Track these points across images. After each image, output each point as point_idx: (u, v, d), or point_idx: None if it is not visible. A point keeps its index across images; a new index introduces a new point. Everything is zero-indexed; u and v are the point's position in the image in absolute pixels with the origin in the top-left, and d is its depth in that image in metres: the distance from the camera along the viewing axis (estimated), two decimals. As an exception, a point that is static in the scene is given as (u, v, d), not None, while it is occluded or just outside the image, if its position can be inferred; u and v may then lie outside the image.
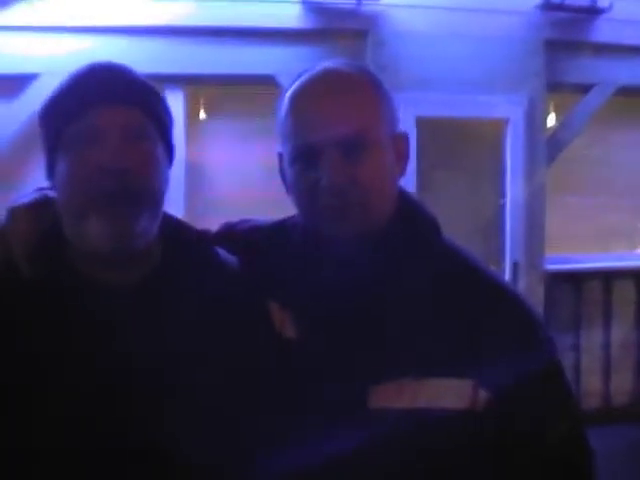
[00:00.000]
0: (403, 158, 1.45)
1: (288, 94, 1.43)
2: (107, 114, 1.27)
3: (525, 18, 5.10)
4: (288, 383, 1.37)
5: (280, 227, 1.60)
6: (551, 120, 5.43)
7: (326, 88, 1.39)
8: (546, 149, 5.20)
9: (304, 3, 4.82)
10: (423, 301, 1.37)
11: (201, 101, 4.92)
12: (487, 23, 5.00)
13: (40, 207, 1.38)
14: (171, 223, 1.43)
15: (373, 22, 4.92)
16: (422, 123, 4.64)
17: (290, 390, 1.37)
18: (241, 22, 4.77)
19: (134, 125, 1.28)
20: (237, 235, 1.62)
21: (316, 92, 1.39)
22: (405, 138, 1.46)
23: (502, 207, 5.12)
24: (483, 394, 1.32)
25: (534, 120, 5.11)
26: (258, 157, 4.93)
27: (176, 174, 4.72)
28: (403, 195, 1.48)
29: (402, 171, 1.46)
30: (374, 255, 1.40)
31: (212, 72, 4.77)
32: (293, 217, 1.57)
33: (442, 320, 1.36)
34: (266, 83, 4.79)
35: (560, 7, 5.09)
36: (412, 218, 1.46)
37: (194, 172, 4.79)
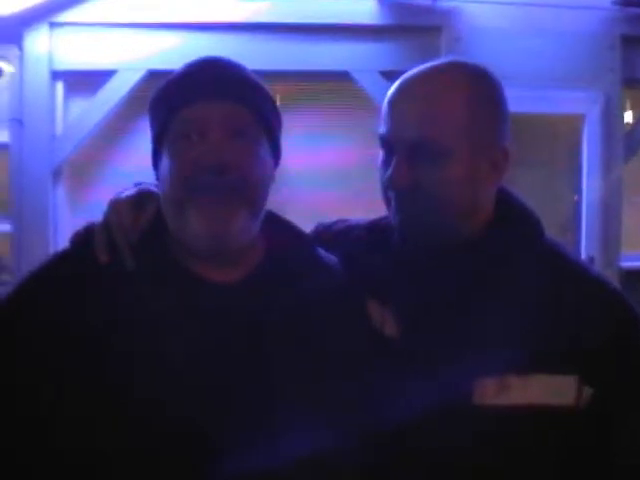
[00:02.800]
0: (498, 171, 1.42)
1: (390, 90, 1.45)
2: (211, 109, 1.27)
3: (601, 13, 5.03)
4: (390, 381, 1.35)
5: (377, 226, 1.60)
6: (628, 116, 5.35)
7: (414, 88, 1.39)
8: (623, 146, 5.12)
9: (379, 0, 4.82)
10: (525, 299, 1.35)
11: (276, 97, 4.93)
12: (562, 18, 4.95)
13: (143, 200, 1.39)
14: (274, 221, 1.43)
15: (448, 18, 4.90)
16: None
17: (392, 387, 1.35)
18: (316, 18, 4.78)
19: (238, 122, 1.28)
20: (333, 235, 1.62)
21: (404, 89, 1.40)
22: (505, 152, 1.42)
23: (578, 203, 5.05)
24: (587, 391, 1.30)
25: (611, 116, 5.03)
26: (332, 152, 4.94)
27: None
28: (506, 198, 1.47)
29: (496, 181, 1.44)
30: (475, 256, 1.39)
31: (287, 68, 4.80)
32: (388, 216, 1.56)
33: (545, 317, 1.34)
34: (341, 79, 4.80)
35: (636, 3, 5.02)
36: (513, 221, 1.44)
37: None
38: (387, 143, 1.39)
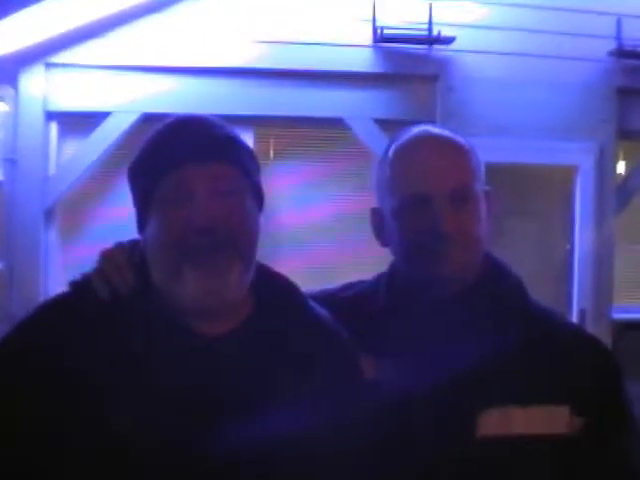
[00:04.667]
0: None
1: (393, 151, 1.56)
2: (195, 172, 1.27)
3: (597, 65, 5.07)
4: (389, 425, 1.40)
5: (373, 283, 1.68)
6: (621, 167, 5.37)
7: (433, 144, 1.54)
8: (616, 197, 5.13)
9: (375, 47, 4.84)
10: (517, 340, 1.47)
11: (271, 142, 4.95)
12: (558, 70, 4.98)
13: (131, 247, 1.40)
14: (264, 273, 1.42)
15: (444, 67, 4.93)
16: (492, 169, 4.49)
17: (395, 430, 1.41)
18: (312, 65, 4.82)
19: (223, 180, 1.28)
20: (334, 298, 1.65)
21: (424, 148, 1.54)
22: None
23: (570, 253, 5.05)
24: (578, 420, 1.45)
25: (604, 167, 5.06)
26: (326, 199, 4.95)
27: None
28: (488, 253, 1.59)
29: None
30: (467, 302, 1.51)
31: (282, 114, 4.83)
32: (383, 273, 1.68)
33: (537, 358, 1.48)
34: (336, 126, 4.82)
35: (633, 54, 5.05)
36: (498, 273, 1.59)
37: (264, 213, 4.74)
38: (420, 198, 1.48)
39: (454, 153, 1.53)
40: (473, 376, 1.43)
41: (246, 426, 1.24)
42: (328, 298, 1.63)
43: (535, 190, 5.00)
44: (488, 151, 4.68)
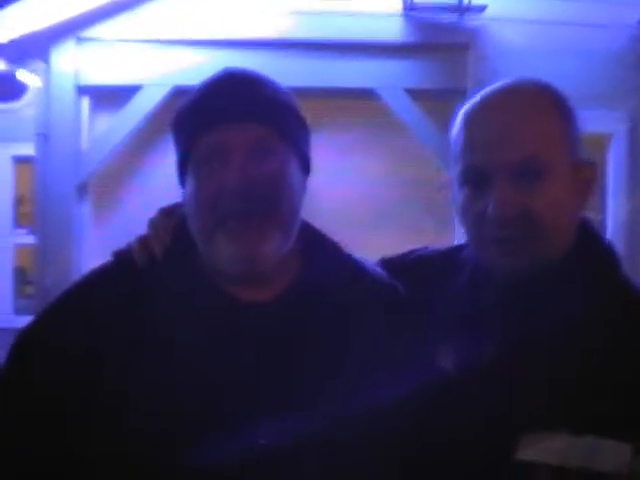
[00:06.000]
0: (588, 188, 1.32)
1: (462, 111, 1.34)
2: (234, 132, 1.22)
3: (628, 32, 5.02)
4: (436, 413, 1.29)
5: (451, 255, 1.51)
6: (654, 136, 5.33)
7: (501, 107, 1.29)
8: (649, 165, 5.10)
9: (406, 17, 4.82)
10: (598, 348, 1.23)
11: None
12: (589, 38, 4.94)
13: (172, 211, 1.38)
14: (311, 235, 1.37)
15: (474, 36, 4.90)
16: None
17: (437, 421, 1.28)
18: (343, 36, 4.80)
19: (262, 143, 1.23)
20: (399, 263, 1.54)
21: (490, 111, 1.30)
22: (592, 167, 1.33)
23: (602, 223, 5.03)
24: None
25: (637, 136, 5.02)
26: (359, 169, 4.94)
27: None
28: (585, 227, 1.35)
29: (585, 202, 1.33)
30: (548, 292, 1.28)
31: (313, 85, 4.80)
32: (458, 247, 1.49)
33: (612, 372, 1.21)
34: (367, 97, 4.80)
35: (663, 21, 5.01)
36: (592, 253, 1.33)
37: None
38: (480, 171, 1.27)
39: (528, 116, 1.27)
40: (530, 391, 1.24)
41: (284, 405, 1.19)
42: (386, 262, 1.54)
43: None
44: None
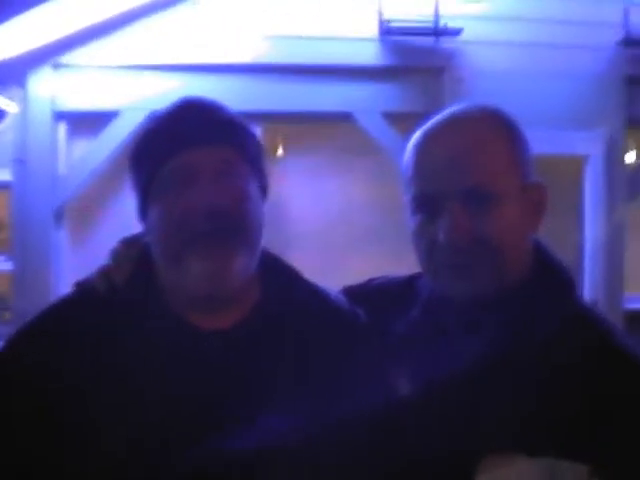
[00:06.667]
0: (538, 209, 1.36)
1: (413, 138, 1.36)
2: (198, 155, 1.25)
3: (605, 54, 5.03)
4: (393, 439, 1.30)
5: (408, 283, 1.52)
6: (630, 157, 5.34)
7: (449, 134, 1.32)
8: (626, 186, 5.10)
9: (382, 40, 4.83)
10: (555, 371, 1.23)
11: (279, 138, 4.95)
12: (566, 60, 4.96)
13: (134, 240, 1.39)
14: (269, 260, 1.40)
15: (451, 59, 4.91)
16: None
17: (393, 447, 1.29)
18: (319, 59, 4.80)
19: (225, 164, 1.27)
20: (363, 292, 1.55)
21: (437, 139, 1.33)
22: (541, 187, 1.37)
23: (581, 243, 5.03)
24: None
25: (614, 157, 5.03)
26: (335, 193, 4.95)
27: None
28: (539, 249, 1.38)
29: (536, 223, 1.37)
30: (503, 316, 1.28)
31: (290, 109, 4.81)
32: (415, 275, 1.51)
33: (568, 396, 1.21)
34: (344, 120, 4.81)
35: (641, 43, 5.02)
36: (547, 276, 1.34)
37: (273, 208, 4.74)
38: (430, 198, 1.29)
39: (475, 143, 1.29)
40: (487, 414, 1.24)
41: (247, 428, 1.21)
42: (348, 290, 1.56)
43: (544, 180, 4.98)
44: (497, 143, 4.73)
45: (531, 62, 4.93)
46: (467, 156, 1.28)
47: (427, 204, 1.30)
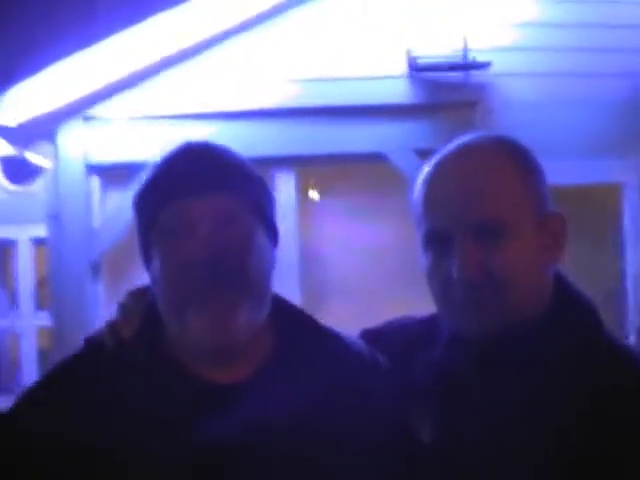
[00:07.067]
0: (557, 241, 1.28)
1: (423, 173, 1.31)
2: (197, 204, 1.20)
3: (634, 80, 5.00)
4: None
5: (429, 323, 1.45)
6: (666, 181, 5.30)
7: (458, 167, 1.27)
8: (664, 211, 5.06)
9: (411, 78, 4.82)
10: (580, 416, 1.15)
11: (313, 182, 4.93)
12: (596, 87, 4.93)
13: (142, 292, 1.35)
14: (284, 309, 1.34)
15: (481, 92, 4.89)
16: None
17: None
18: (349, 100, 4.80)
19: (227, 212, 1.22)
20: (379, 335, 1.50)
21: (447, 171, 1.28)
22: (560, 218, 1.29)
23: (622, 272, 4.99)
24: None
25: (650, 182, 4.99)
26: (372, 235, 4.91)
27: (290, 256, 4.78)
28: (561, 283, 1.31)
29: (556, 256, 1.29)
30: (524, 355, 1.23)
31: (322, 152, 4.80)
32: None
33: (597, 443, 1.14)
34: (377, 160, 4.78)
35: (668, 66, 5.00)
36: (568, 312, 1.27)
37: (309, 253, 4.81)
38: (441, 234, 1.24)
39: (486, 174, 1.25)
40: (511, 461, 1.19)
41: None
42: (367, 333, 1.51)
43: (582, 211, 4.94)
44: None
45: (561, 91, 4.91)
46: (477, 188, 1.23)
47: (439, 240, 1.25)
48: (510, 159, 1.27)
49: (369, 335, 1.51)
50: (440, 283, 1.26)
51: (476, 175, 1.25)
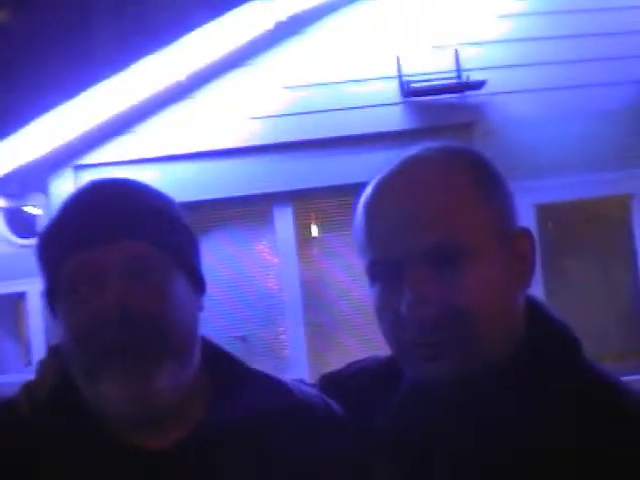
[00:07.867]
0: (526, 260, 1.09)
1: (363, 195, 1.11)
2: (104, 252, 1.05)
3: (633, 87, 4.88)
4: None
5: (392, 365, 1.24)
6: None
7: (404, 184, 1.07)
8: (675, 220, 4.91)
9: (405, 103, 4.71)
10: (564, 452, 1.01)
11: (312, 216, 4.83)
12: (597, 98, 4.82)
13: (56, 348, 1.17)
14: (218, 360, 1.19)
15: (478, 113, 4.78)
16: (542, 210, 4.47)
17: None
18: (343, 131, 4.72)
19: (139, 260, 1.06)
20: (337, 380, 1.35)
21: (392, 190, 1.08)
22: (526, 235, 1.09)
23: (635, 284, 4.83)
24: None
25: (660, 192, 4.85)
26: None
27: (292, 292, 4.65)
28: (533, 310, 1.13)
29: (527, 277, 1.10)
30: (495, 396, 1.06)
31: (319, 185, 4.72)
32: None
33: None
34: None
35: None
36: (543, 338, 1.10)
37: (311, 289, 4.72)
38: (388, 264, 1.05)
39: (435, 192, 1.05)
40: None
41: None
42: (324, 378, 1.36)
43: (591, 226, 4.81)
44: (536, 192, 4.58)
45: (561, 105, 4.81)
46: (427, 208, 1.04)
47: (386, 272, 1.06)
48: (465, 173, 1.08)
49: (327, 381, 1.36)
50: (391, 321, 1.06)
51: (425, 192, 1.05)
